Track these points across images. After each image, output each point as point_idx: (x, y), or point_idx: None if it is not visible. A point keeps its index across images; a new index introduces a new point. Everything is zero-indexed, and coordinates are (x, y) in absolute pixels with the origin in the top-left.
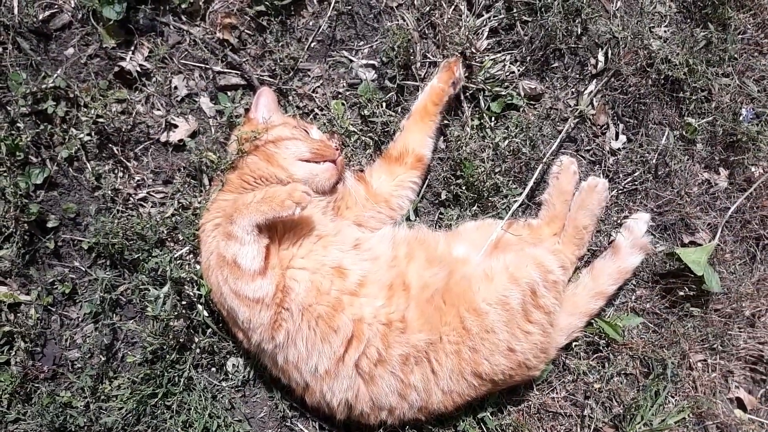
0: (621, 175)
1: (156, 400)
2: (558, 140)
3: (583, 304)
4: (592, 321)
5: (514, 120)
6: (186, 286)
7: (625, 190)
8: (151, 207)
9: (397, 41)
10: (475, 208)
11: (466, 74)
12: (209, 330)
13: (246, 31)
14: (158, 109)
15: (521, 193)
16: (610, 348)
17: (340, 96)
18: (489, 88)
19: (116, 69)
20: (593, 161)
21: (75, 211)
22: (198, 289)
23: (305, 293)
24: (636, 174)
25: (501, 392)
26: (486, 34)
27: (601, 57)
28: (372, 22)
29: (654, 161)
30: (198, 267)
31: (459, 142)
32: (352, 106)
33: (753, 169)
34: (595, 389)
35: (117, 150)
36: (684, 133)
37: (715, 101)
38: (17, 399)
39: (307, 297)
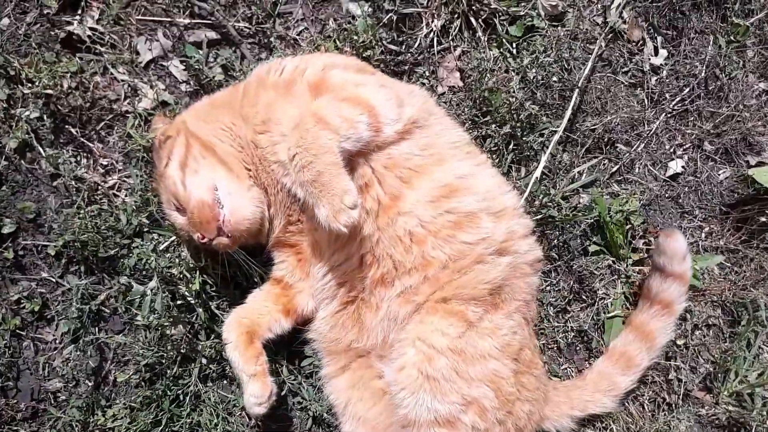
0: (667, 96)
1: (160, 429)
2: (590, 63)
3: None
4: None
5: (539, 42)
6: (179, 285)
7: (674, 113)
8: (127, 195)
9: None
10: (511, 149)
11: None
12: (214, 335)
13: None
14: (120, 81)
15: (560, 125)
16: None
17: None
18: (504, 8)
19: (63, 35)
20: (633, 84)
21: (34, 211)
22: (188, 286)
23: None
24: (684, 92)
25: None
26: None
27: None
28: None
29: (702, 75)
30: (189, 258)
31: (481, 73)
32: (350, 49)
33: None
34: (679, 347)
35: (76, 132)
36: (732, 37)
37: None
38: None
39: None
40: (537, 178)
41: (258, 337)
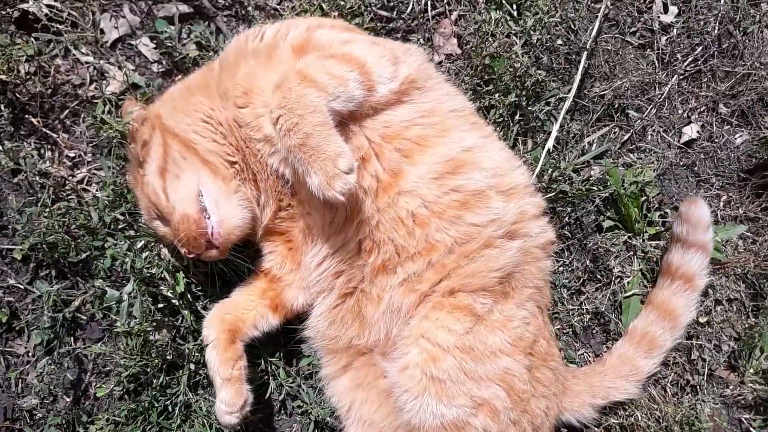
0: (679, 57)
1: None
2: (597, 22)
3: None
4: None
5: (542, 1)
6: (161, 287)
7: (686, 74)
8: (98, 190)
9: None
10: (517, 120)
11: None
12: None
13: None
14: (84, 63)
15: (569, 90)
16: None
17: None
18: None
19: (16, 15)
20: (642, 44)
21: None
22: (171, 287)
23: None
24: (697, 52)
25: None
26: None
27: None
28: None
29: (716, 32)
30: (170, 257)
31: (481, 38)
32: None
33: None
34: (701, 325)
35: (37, 122)
36: None
37: None
38: None
39: None
40: (549, 149)
41: (242, 335)
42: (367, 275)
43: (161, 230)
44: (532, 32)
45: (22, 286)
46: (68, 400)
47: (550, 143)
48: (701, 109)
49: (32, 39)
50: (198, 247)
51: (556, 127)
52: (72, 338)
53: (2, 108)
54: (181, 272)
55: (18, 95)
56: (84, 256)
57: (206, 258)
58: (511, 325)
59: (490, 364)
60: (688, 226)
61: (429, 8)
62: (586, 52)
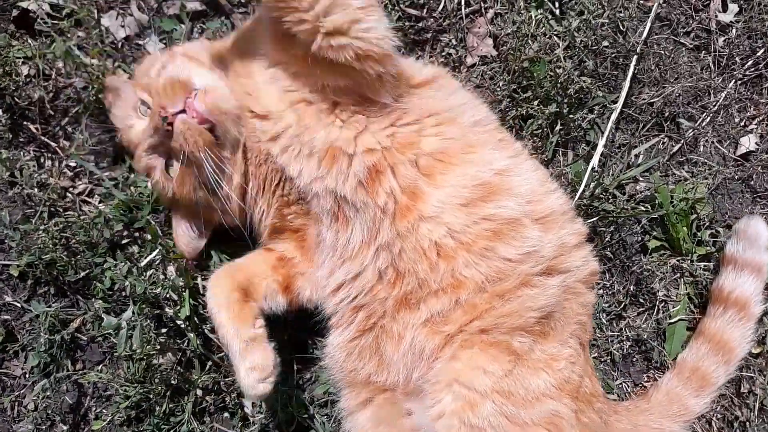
0: (737, 60)
1: None
2: (649, 22)
3: None
4: None
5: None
6: (166, 308)
7: (745, 79)
8: (100, 201)
9: None
10: (557, 131)
11: None
12: (210, 363)
13: None
14: (89, 64)
15: (617, 99)
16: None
17: None
18: None
19: (15, 13)
20: (697, 46)
21: None
22: (179, 310)
23: None
24: (759, 54)
25: None
26: None
27: None
28: None
29: None
30: (174, 275)
31: (520, 39)
32: None
33: None
34: (753, 355)
35: (37, 129)
36: None
37: None
38: None
39: None
40: (594, 167)
41: (254, 299)
42: (388, 309)
43: (136, 130)
44: (576, 34)
45: (18, 304)
46: (65, 428)
47: (595, 160)
48: (761, 117)
49: (32, 40)
50: (175, 101)
51: (602, 142)
52: (71, 360)
53: (0, 113)
54: (187, 292)
55: (17, 99)
56: (83, 274)
57: (183, 130)
58: (557, 366)
59: (536, 409)
60: (745, 244)
61: (463, 6)
62: (635, 57)
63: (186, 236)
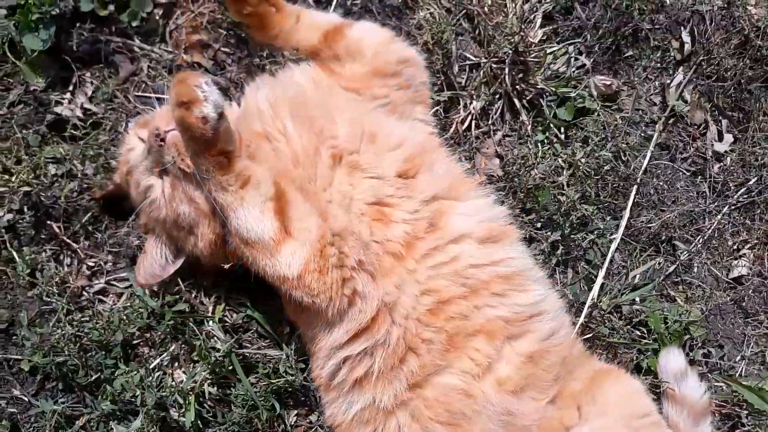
0: (732, 186)
1: None
2: (649, 152)
3: None
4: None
5: (592, 126)
6: (172, 410)
7: (738, 205)
8: (114, 302)
9: (432, 33)
10: (559, 253)
11: (520, 75)
12: None
13: (222, 49)
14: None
15: (617, 226)
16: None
17: None
18: (553, 89)
19: (51, 118)
20: (694, 171)
21: (7, 319)
22: (184, 414)
23: None
24: (751, 182)
25: None
26: (539, 21)
27: (685, 37)
28: (387, 19)
29: None
30: (184, 378)
31: (525, 165)
32: None
33: None
34: None
35: (59, 228)
36: None
37: None
38: None
39: None
40: (594, 298)
41: None
42: None
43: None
44: (580, 163)
45: (26, 399)
46: None
47: (595, 290)
48: (753, 242)
49: (63, 144)
50: (168, 123)
51: (601, 274)
52: None
53: (25, 210)
54: (192, 396)
55: (41, 197)
56: (94, 377)
57: None
58: None
59: None
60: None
61: (473, 127)
62: (635, 186)
63: (156, 260)
